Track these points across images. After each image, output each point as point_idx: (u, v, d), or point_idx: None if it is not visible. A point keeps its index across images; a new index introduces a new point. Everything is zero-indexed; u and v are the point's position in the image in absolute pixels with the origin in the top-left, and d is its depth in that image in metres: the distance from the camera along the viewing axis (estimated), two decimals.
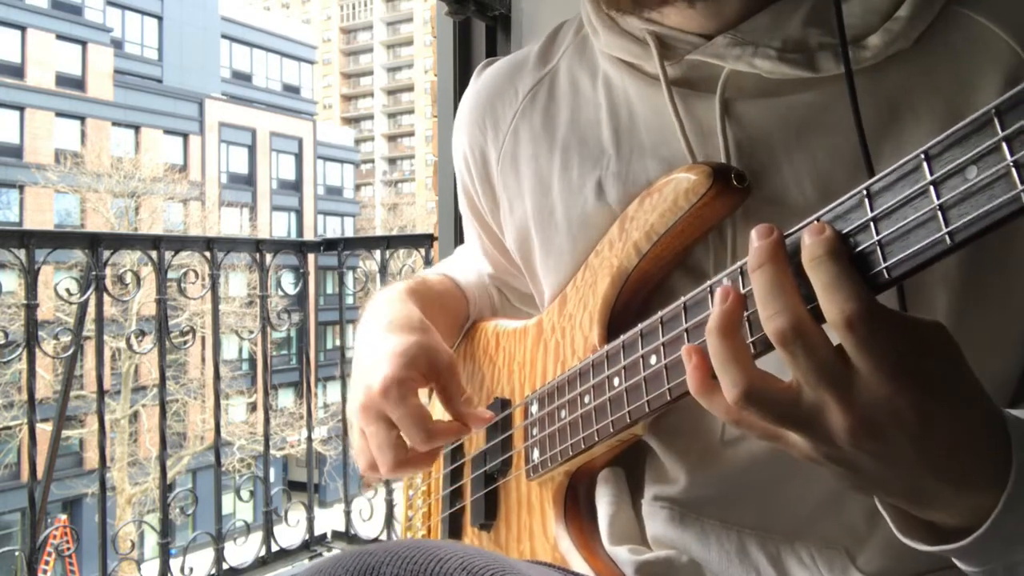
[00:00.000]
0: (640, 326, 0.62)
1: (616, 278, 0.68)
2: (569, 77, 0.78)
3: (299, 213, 25.37)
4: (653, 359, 0.60)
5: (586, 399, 0.68)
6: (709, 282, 0.56)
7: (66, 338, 2.33)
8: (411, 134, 50.43)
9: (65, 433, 12.52)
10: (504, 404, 0.82)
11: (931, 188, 0.42)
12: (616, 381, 0.64)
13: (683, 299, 0.58)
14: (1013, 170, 0.39)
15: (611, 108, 0.73)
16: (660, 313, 0.60)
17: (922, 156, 0.43)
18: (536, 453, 0.75)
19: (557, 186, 0.74)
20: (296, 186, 25.27)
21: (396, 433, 0.74)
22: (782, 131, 0.63)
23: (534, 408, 0.76)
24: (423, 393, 0.78)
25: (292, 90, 28.34)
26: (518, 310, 0.96)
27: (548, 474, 0.74)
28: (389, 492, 2.68)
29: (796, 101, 0.63)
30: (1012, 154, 0.39)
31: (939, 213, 0.42)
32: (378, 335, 0.78)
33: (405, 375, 0.73)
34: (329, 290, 18.28)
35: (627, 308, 0.69)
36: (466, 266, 0.98)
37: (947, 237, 0.41)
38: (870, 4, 0.61)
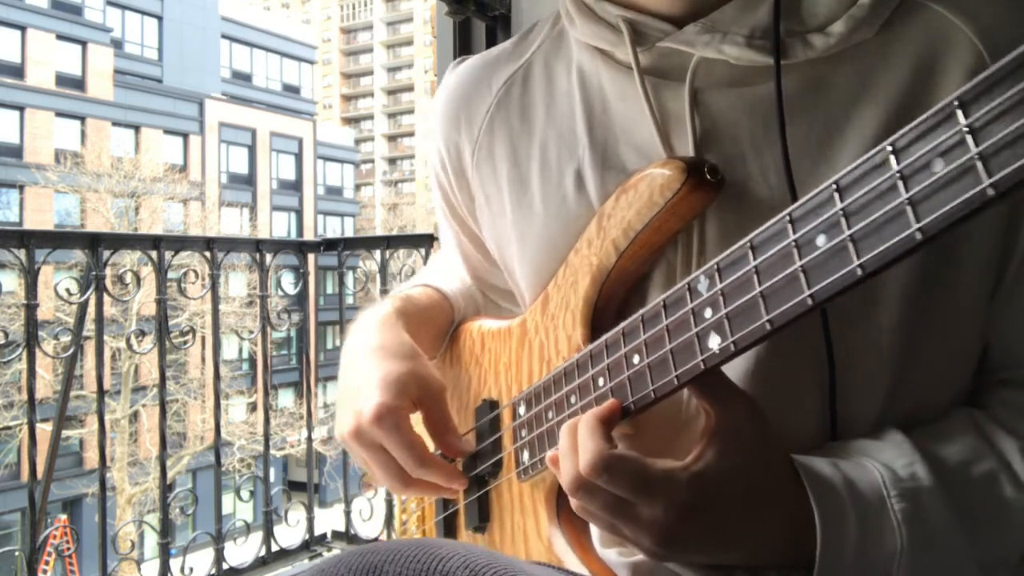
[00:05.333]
0: (622, 325, 0.62)
1: (596, 276, 0.68)
2: (544, 70, 0.78)
3: (299, 213, 25.36)
4: (636, 358, 0.60)
5: (572, 399, 0.68)
6: (687, 280, 0.56)
7: (66, 338, 2.33)
8: (411, 134, 50.44)
9: (65, 433, 12.52)
10: (492, 406, 0.81)
11: (899, 182, 0.42)
12: (601, 381, 0.64)
13: (662, 297, 0.58)
14: (978, 163, 0.38)
15: (584, 97, 0.73)
16: (641, 311, 0.60)
17: (889, 149, 0.43)
18: (526, 455, 0.75)
19: (536, 180, 0.74)
20: (296, 186, 25.26)
21: (394, 459, 0.76)
22: (750, 121, 0.63)
23: (521, 409, 0.76)
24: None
25: (292, 90, 28.33)
26: (503, 310, 0.95)
27: (539, 475, 0.74)
28: (389, 492, 2.68)
29: (764, 91, 0.63)
30: (977, 146, 0.38)
31: (908, 208, 0.41)
32: (368, 359, 0.79)
33: (396, 404, 0.75)
34: (329, 290, 18.31)
35: (608, 306, 0.69)
36: (447, 273, 0.97)
37: (918, 233, 0.41)
38: None
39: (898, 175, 0.42)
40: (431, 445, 0.81)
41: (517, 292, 0.82)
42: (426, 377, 0.78)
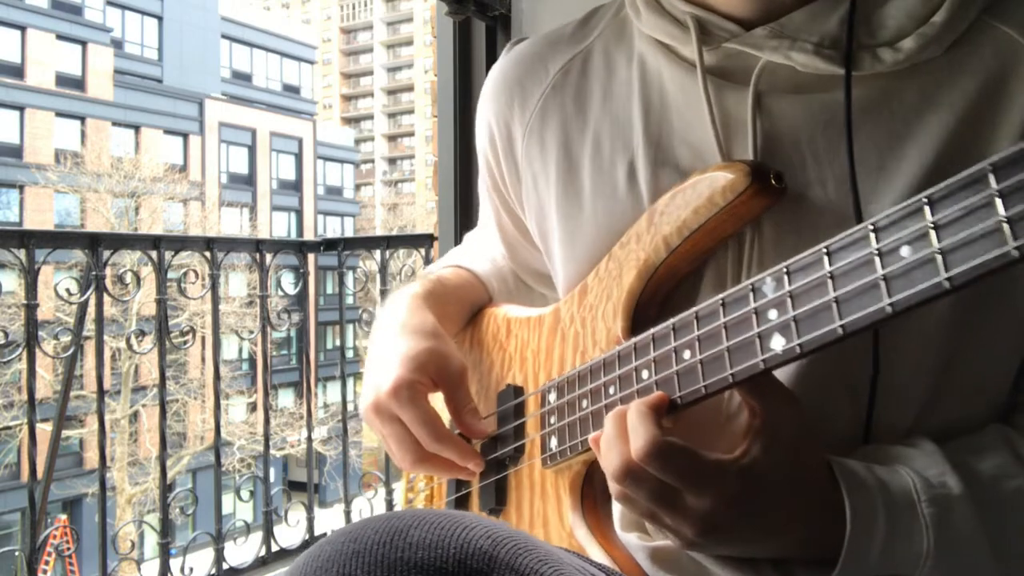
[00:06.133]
0: (672, 320, 0.62)
1: (643, 271, 0.68)
2: (604, 57, 0.78)
3: (299, 213, 25.36)
4: (687, 354, 0.60)
5: (611, 390, 0.68)
6: (751, 280, 0.56)
7: (66, 338, 2.33)
8: (411, 134, 50.43)
9: (65, 433, 12.53)
10: (517, 391, 0.82)
11: (997, 199, 0.42)
12: (645, 374, 0.64)
13: (721, 296, 0.58)
14: None
15: (643, 89, 0.73)
16: (695, 308, 0.60)
17: (989, 167, 0.43)
18: (554, 442, 0.75)
19: (587, 168, 0.75)
20: (296, 186, 25.26)
21: (410, 433, 0.77)
22: (811, 128, 0.64)
23: (552, 397, 0.76)
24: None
25: (292, 90, 28.33)
26: (535, 294, 0.96)
27: (565, 463, 0.74)
28: (389, 492, 2.68)
29: (827, 99, 0.63)
30: None
31: (1005, 225, 0.42)
32: (391, 338, 0.81)
33: (414, 378, 0.76)
34: (329, 290, 18.34)
35: (651, 301, 0.69)
36: (479, 253, 0.98)
37: (1015, 251, 0.42)
38: (907, 8, 0.62)
39: (996, 193, 0.42)
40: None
41: (555, 277, 0.83)
42: (447, 356, 0.79)
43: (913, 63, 0.62)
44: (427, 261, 2.63)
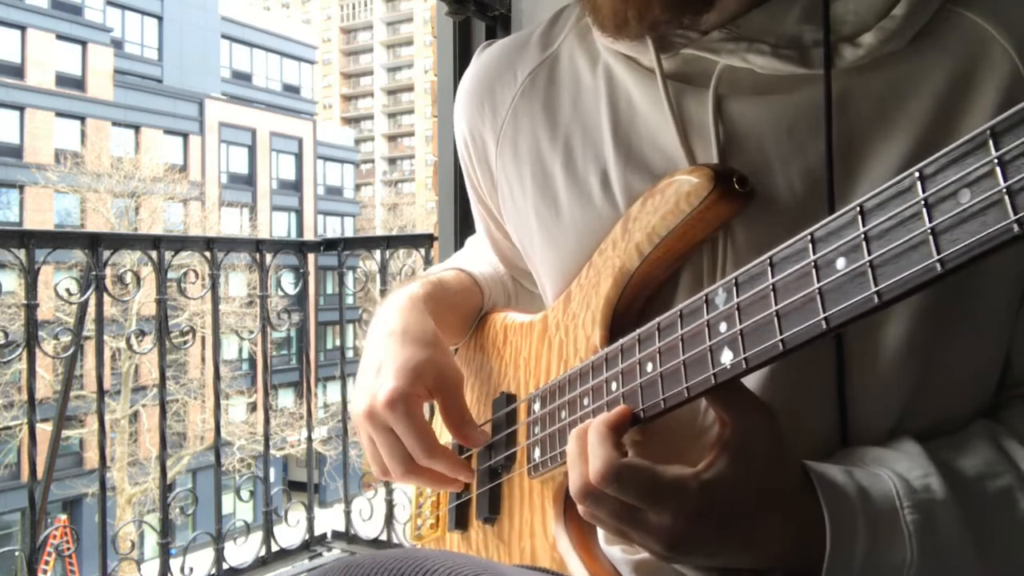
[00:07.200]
0: (638, 331, 0.62)
1: (618, 279, 0.67)
2: (570, 63, 0.77)
3: (299, 213, 25.36)
4: (649, 366, 0.59)
5: (585, 401, 0.67)
6: (704, 292, 0.55)
7: (66, 338, 2.33)
8: (411, 134, 50.45)
9: (65, 433, 12.52)
10: (509, 399, 0.81)
11: (924, 210, 0.40)
12: (614, 385, 0.64)
13: (679, 307, 0.58)
14: (1006, 197, 0.36)
15: (611, 97, 0.72)
16: (658, 319, 0.60)
17: (916, 175, 0.41)
18: (537, 452, 0.74)
19: (560, 176, 0.74)
20: (296, 186, 25.26)
21: (401, 444, 0.76)
22: (774, 129, 0.62)
23: (536, 406, 0.76)
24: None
25: (292, 90, 28.33)
26: (535, 296, 0.95)
27: (549, 473, 0.73)
28: (389, 492, 2.68)
29: (790, 100, 0.62)
30: (1006, 180, 0.36)
31: (931, 238, 0.40)
32: (390, 342, 0.80)
33: (411, 390, 0.75)
34: (329, 290, 18.31)
35: (629, 309, 0.68)
36: (479, 256, 0.97)
37: (938, 264, 0.40)
38: (865, 2, 0.60)
39: (923, 203, 0.40)
40: (445, 434, 0.81)
41: (539, 285, 0.82)
42: (443, 366, 0.79)
43: (875, 58, 0.60)
44: (427, 261, 2.63)
